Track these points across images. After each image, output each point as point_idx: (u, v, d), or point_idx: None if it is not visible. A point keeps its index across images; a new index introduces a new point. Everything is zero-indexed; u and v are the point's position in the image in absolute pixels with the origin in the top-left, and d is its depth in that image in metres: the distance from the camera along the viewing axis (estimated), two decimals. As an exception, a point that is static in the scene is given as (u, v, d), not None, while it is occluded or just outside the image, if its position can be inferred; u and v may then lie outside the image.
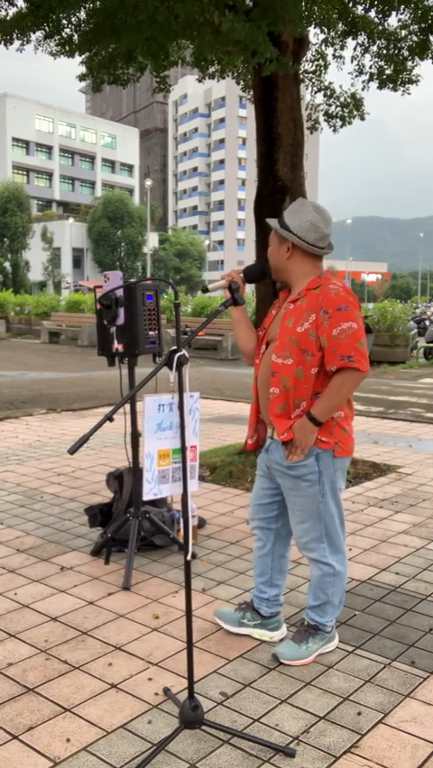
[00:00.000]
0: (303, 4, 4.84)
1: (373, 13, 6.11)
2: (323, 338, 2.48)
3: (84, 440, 2.03)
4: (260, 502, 2.84)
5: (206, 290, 2.85)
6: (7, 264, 47.04)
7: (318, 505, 2.62)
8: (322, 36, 6.47)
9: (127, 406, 3.60)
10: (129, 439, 3.80)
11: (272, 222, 2.67)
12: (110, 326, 3.65)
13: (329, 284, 2.55)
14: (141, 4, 4.54)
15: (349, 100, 6.76)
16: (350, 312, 2.49)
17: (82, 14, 5.53)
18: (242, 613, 2.91)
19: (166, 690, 2.48)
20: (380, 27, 6.16)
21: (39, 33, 5.72)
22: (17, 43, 5.68)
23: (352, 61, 6.59)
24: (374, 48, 6.42)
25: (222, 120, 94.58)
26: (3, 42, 5.60)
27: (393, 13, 6.00)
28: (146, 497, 2.22)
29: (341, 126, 6.86)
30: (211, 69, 6.57)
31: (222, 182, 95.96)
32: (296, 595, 3.32)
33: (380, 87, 6.59)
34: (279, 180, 5.50)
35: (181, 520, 3.04)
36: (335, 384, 2.51)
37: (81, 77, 6.54)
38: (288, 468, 2.61)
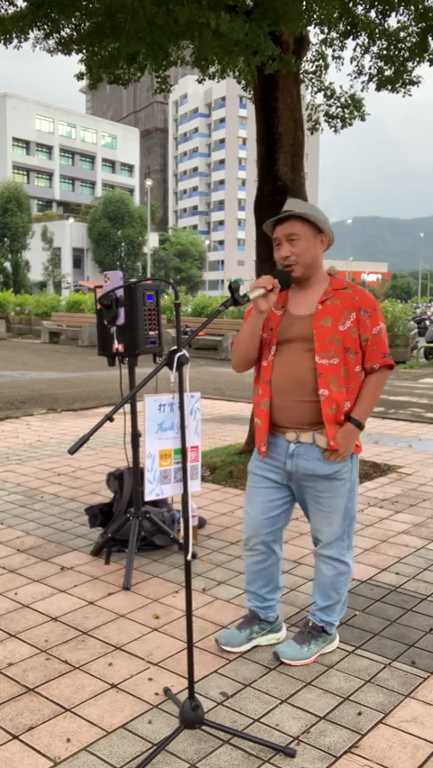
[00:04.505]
0: (304, 3, 4.83)
1: (373, 14, 6.11)
2: (364, 336, 2.54)
3: (84, 440, 2.03)
4: (268, 515, 2.68)
5: (247, 300, 2.37)
6: (7, 264, 47.03)
7: (347, 503, 2.63)
8: (322, 36, 6.47)
9: (127, 407, 3.60)
10: (129, 439, 3.80)
11: (310, 213, 2.52)
12: (110, 326, 3.65)
13: (354, 285, 2.63)
14: (139, 8, 4.54)
15: (349, 101, 6.75)
16: (380, 312, 2.61)
17: (82, 16, 5.51)
18: (248, 629, 2.81)
19: (166, 690, 2.48)
20: (380, 27, 6.16)
21: (38, 32, 5.71)
22: (15, 41, 5.67)
23: (351, 62, 6.58)
24: (375, 48, 6.41)
25: (222, 120, 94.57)
26: (2, 42, 5.60)
27: (393, 13, 5.99)
28: (148, 497, 2.22)
29: (342, 127, 6.84)
30: (211, 69, 6.56)
31: (222, 182, 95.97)
32: (296, 595, 3.32)
33: (378, 89, 6.57)
34: (279, 180, 5.49)
35: (181, 520, 3.04)
36: (373, 384, 2.57)
37: (80, 77, 6.53)
38: (327, 471, 2.56)
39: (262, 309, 2.45)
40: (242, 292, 2.42)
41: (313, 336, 2.51)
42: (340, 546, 2.67)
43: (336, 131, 6.89)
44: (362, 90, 6.67)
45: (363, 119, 6.79)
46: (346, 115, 6.75)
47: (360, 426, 2.55)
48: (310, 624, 2.77)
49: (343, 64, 6.67)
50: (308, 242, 2.53)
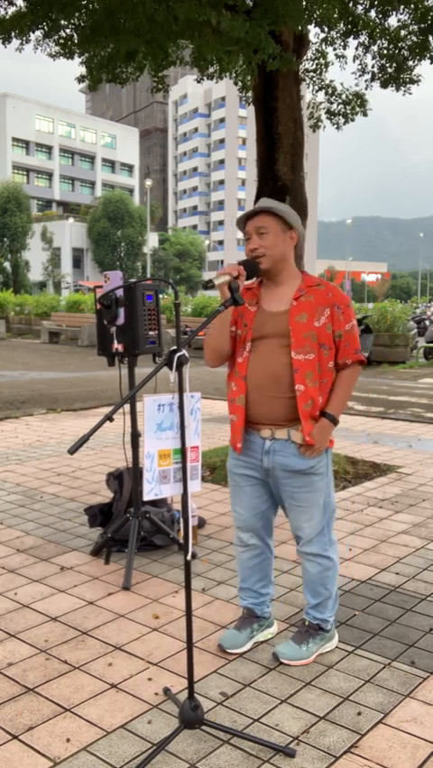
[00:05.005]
0: (304, 3, 4.83)
1: (373, 13, 6.11)
2: (338, 332, 2.59)
3: (84, 440, 2.03)
4: (257, 511, 2.72)
5: (212, 285, 2.51)
6: (7, 264, 47.03)
7: (325, 497, 2.65)
8: (322, 35, 6.47)
9: (127, 407, 3.60)
10: (129, 439, 3.80)
11: (280, 208, 2.57)
12: (110, 326, 3.65)
13: (327, 282, 2.66)
14: (139, 5, 4.53)
15: (351, 97, 6.76)
16: (352, 308, 2.65)
17: (81, 15, 5.52)
18: (249, 629, 2.82)
19: (166, 690, 2.48)
20: (380, 27, 6.16)
21: (38, 33, 5.72)
22: (16, 42, 5.67)
23: (354, 61, 6.59)
24: (375, 48, 6.43)
25: (222, 120, 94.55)
26: (2, 42, 5.61)
27: (393, 13, 6.00)
28: (146, 497, 2.22)
29: (344, 123, 6.84)
30: (211, 69, 6.57)
31: (222, 182, 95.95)
32: (296, 595, 3.32)
33: (383, 86, 6.58)
34: (279, 180, 5.49)
35: (181, 520, 3.04)
36: (346, 379, 2.62)
37: (80, 79, 6.54)
38: (303, 466, 2.58)
39: (228, 296, 2.47)
40: (216, 281, 2.46)
41: (289, 332, 2.54)
42: (322, 542, 2.68)
43: (338, 128, 6.90)
44: (366, 88, 6.68)
45: (365, 114, 6.79)
46: (348, 111, 6.74)
47: (334, 421, 2.59)
48: (306, 623, 2.78)
49: (346, 63, 6.68)
50: (277, 237, 2.57)
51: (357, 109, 6.75)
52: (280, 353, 2.55)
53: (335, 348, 2.60)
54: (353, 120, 6.80)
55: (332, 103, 6.81)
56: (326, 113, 6.89)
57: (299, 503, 2.63)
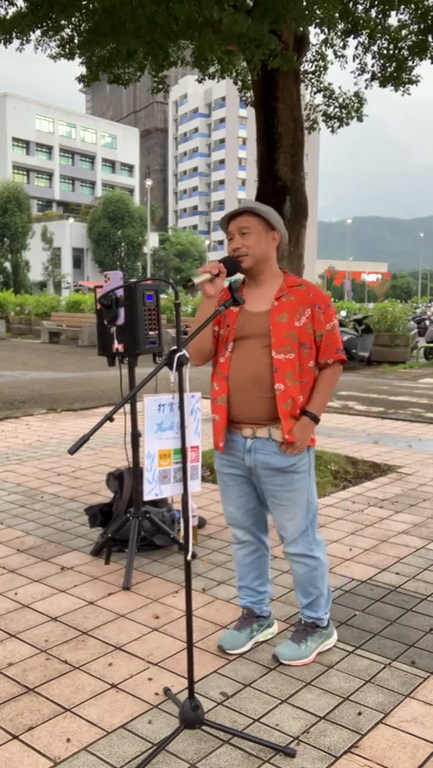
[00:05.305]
0: (304, 2, 4.83)
1: (373, 13, 6.12)
2: (319, 332, 2.60)
3: (84, 440, 2.03)
4: (246, 508, 2.75)
5: (192, 285, 2.47)
6: (7, 264, 47.03)
7: (307, 496, 2.65)
8: (322, 36, 6.49)
9: (127, 407, 3.60)
10: (129, 439, 3.80)
11: (263, 209, 2.59)
12: (110, 326, 3.65)
13: (308, 282, 2.69)
14: (138, 7, 4.54)
15: (349, 100, 6.78)
16: (333, 308, 2.68)
17: (82, 16, 5.52)
18: (248, 629, 2.83)
19: (166, 690, 2.48)
20: (380, 26, 6.17)
21: (38, 33, 5.72)
22: (17, 42, 5.68)
23: (354, 60, 6.60)
24: (375, 47, 6.43)
25: (222, 120, 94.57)
26: (2, 42, 5.61)
27: (393, 12, 6.00)
28: (147, 497, 2.22)
29: (339, 127, 6.89)
30: (211, 69, 6.58)
31: (222, 182, 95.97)
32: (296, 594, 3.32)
33: (382, 85, 6.59)
34: (279, 180, 5.50)
35: (181, 520, 3.04)
36: (327, 378, 2.63)
37: (80, 79, 6.54)
38: (284, 464, 2.59)
39: (209, 294, 2.48)
40: (196, 280, 2.44)
41: (270, 332, 2.55)
42: (306, 542, 2.68)
43: (333, 131, 6.94)
44: (366, 88, 6.69)
45: (360, 119, 6.82)
46: (344, 115, 6.78)
47: (315, 420, 2.59)
48: (302, 622, 2.79)
49: (346, 62, 6.70)
50: (259, 237, 2.58)
51: (353, 114, 6.79)
52: (261, 353, 2.56)
53: (316, 347, 2.61)
54: (348, 124, 6.85)
55: (329, 106, 6.84)
56: (322, 115, 6.92)
57: (281, 502, 2.64)
